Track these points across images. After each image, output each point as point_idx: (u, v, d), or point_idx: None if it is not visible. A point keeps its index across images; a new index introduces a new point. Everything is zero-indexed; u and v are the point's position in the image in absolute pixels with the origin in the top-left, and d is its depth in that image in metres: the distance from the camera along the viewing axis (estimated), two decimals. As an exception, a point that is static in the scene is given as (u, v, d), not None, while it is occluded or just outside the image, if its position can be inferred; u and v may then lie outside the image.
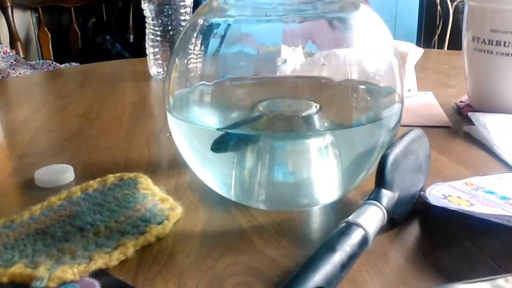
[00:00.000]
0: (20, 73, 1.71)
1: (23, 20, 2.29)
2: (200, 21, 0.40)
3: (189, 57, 0.40)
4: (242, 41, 0.39)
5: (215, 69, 0.40)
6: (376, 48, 0.40)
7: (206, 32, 0.40)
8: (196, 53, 0.39)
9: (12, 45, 2.09)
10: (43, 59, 2.13)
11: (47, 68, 1.86)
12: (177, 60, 0.40)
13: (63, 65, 1.93)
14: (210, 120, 0.40)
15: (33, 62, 1.91)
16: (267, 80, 0.43)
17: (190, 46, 0.40)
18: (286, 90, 0.42)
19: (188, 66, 0.40)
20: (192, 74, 0.40)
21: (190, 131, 0.40)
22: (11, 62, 1.86)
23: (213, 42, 0.40)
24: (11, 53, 1.92)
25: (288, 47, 0.38)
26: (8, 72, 1.69)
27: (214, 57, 0.39)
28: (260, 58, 0.40)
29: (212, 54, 0.39)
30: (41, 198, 0.42)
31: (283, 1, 0.39)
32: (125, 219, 0.38)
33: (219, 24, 0.40)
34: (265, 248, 0.35)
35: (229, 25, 0.40)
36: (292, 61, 0.38)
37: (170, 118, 0.40)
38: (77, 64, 1.93)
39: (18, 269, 0.32)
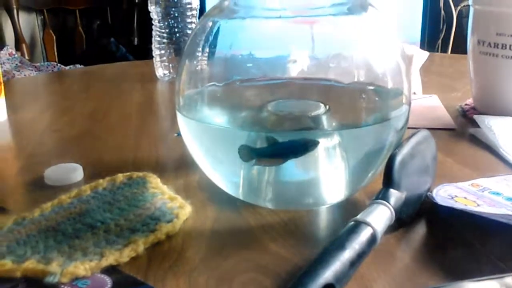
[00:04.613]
0: (25, 75, 1.72)
1: (28, 22, 2.30)
2: (210, 23, 0.41)
3: (199, 58, 0.40)
4: (251, 42, 0.40)
5: (224, 70, 0.41)
6: (384, 50, 0.40)
7: (216, 33, 0.40)
8: (206, 54, 0.40)
9: (17, 47, 2.10)
10: (48, 61, 2.14)
11: (52, 70, 1.87)
12: (187, 61, 0.41)
13: (68, 67, 1.94)
14: (220, 119, 0.40)
15: (38, 64, 1.91)
16: (276, 82, 0.43)
17: (200, 47, 0.40)
18: (295, 91, 0.43)
19: (198, 67, 0.41)
20: (202, 75, 0.41)
21: (199, 130, 0.40)
22: (16, 64, 1.86)
23: (223, 43, 0.40)
24: (16, 55, 1.93)
25: (297, 48, 0.38)
26: (13, 74, 1.69)
27: (224, 58, 0.40)
28: (270, 59, 0.40)
29: (222, 55, 0.40)
30: (51, 196, 0.42)
31: (292, 3, 0.39)
32: (135, 217, 0.38)
33: (229, 26, 0.41)
34: (273, 246, 0.35)
35: (239, 26, 0.40)
36: (301, 62, 0.39)
37: (180, 117, 0.41)
38: (82, 66, 1.94)
39: (31, 264, 0.32)
